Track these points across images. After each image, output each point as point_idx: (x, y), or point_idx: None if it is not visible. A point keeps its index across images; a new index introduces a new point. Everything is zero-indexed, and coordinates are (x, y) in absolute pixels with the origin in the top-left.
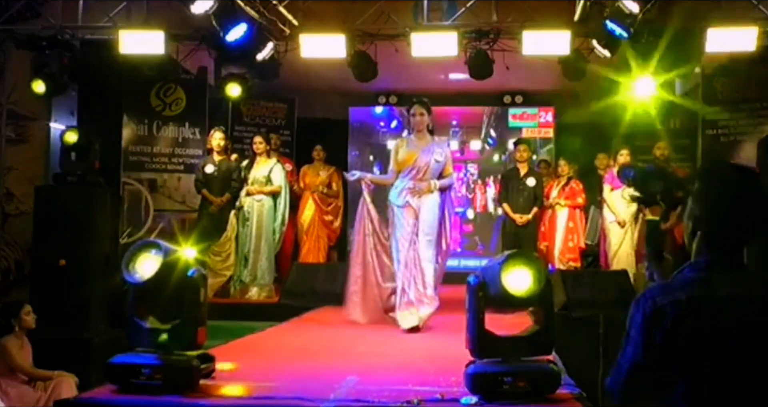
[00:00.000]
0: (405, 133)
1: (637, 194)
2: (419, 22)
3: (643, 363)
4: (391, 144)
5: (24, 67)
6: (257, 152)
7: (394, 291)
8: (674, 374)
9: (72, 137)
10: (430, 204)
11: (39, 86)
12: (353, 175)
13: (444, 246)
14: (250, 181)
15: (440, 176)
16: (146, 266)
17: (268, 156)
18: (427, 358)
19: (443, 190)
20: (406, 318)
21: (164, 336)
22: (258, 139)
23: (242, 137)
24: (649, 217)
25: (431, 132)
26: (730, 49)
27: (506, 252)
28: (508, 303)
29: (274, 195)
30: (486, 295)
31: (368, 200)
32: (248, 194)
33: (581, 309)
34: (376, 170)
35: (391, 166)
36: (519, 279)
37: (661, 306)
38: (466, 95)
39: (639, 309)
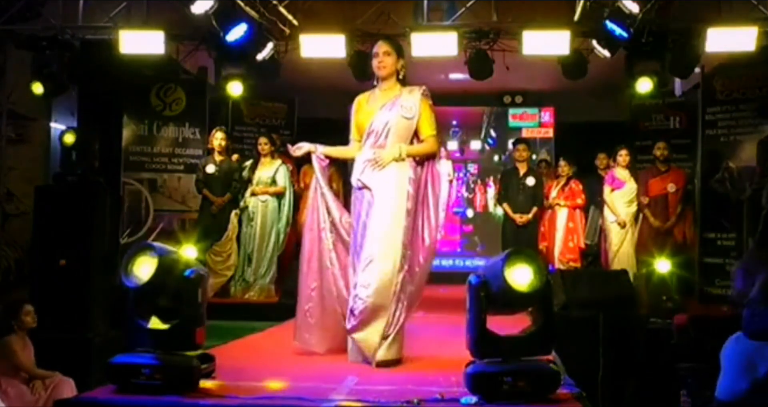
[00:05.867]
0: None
1: None
2: (419, 22)
3: None
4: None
5: (24, 67)
6: (262, 153)
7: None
8: None
9: (70, 138)
10: (392, 180)
11: (38, 88)
12: (300, 147)
13: (428, 241)
14: (254, 182)
15: (413, 141)
16: (143, 269)
17: (273, 157)
18: (427, 358)
19: (418, 160)
20: (352, 348)
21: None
22: (263, 140)
23: (242, 137)
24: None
25: (403, 83)
26: (730, 49)
27: (508, 250)
28: (510, 300)
29: (279, 196)
30: (488, 295)
31: (322, 181)
32: (253, 194)
33: (581, 309)
34: None
35: (352, 133)
36: (521, 275)
37: None
38: (466, 95)
39: None
